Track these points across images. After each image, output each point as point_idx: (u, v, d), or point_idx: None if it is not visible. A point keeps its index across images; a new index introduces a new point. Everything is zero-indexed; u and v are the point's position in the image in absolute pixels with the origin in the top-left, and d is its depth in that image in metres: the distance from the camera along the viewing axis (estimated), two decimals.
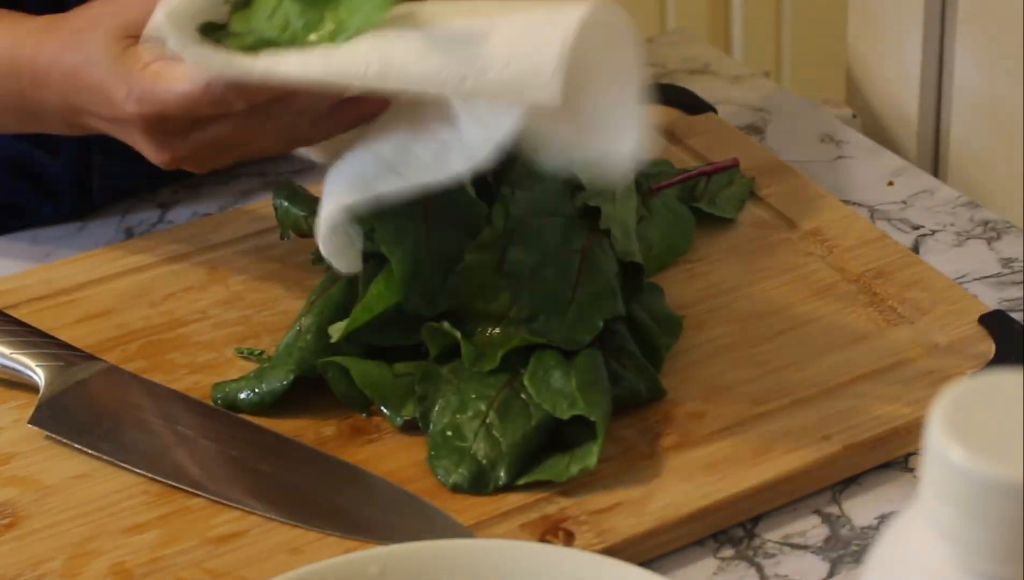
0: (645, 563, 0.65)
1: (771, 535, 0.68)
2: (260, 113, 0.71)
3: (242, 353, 0.78)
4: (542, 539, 0.65)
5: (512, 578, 0.57)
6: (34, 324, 0.79)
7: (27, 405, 0.74)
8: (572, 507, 0.67)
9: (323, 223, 0.70)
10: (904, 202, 0.90)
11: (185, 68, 0.70)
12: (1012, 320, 0.76)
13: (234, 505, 0.68)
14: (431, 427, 0.70)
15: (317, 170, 0.76)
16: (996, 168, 0.98)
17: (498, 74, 0.63)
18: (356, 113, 0.72)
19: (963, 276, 0.83)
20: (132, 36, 0.72)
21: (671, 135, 0.93)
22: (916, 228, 0.87)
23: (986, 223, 0.87)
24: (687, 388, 0.73)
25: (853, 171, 0.93)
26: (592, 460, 0.67)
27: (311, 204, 0.78)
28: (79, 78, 0.75)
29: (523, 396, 0.69)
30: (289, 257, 0.84)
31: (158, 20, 0.68)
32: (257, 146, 0.74)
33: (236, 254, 0.85)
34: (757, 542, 0.67)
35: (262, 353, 0.77)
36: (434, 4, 0.67)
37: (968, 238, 0.86)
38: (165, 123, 0.72)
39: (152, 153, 0.74)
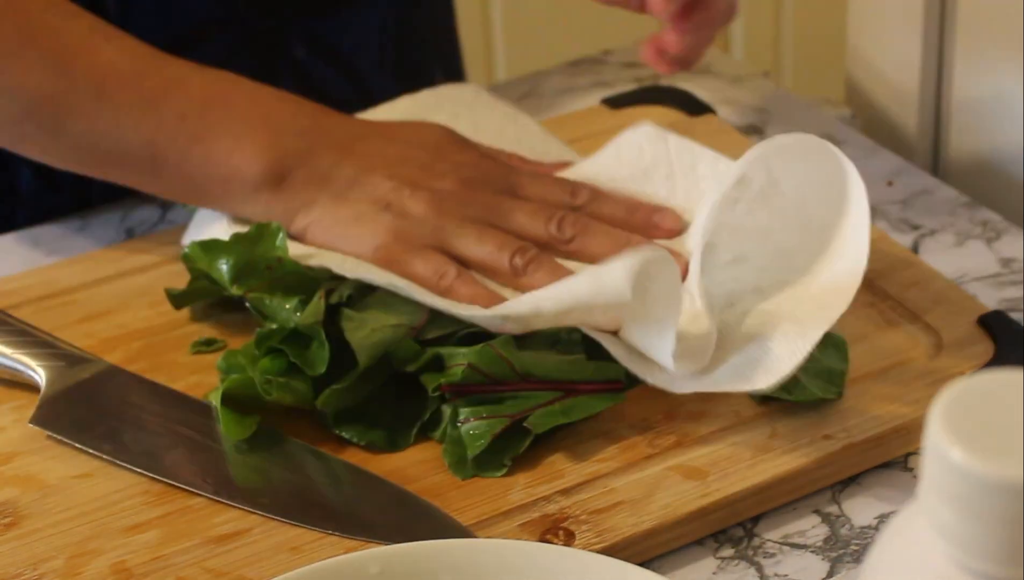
0: (645, 563, 0.65)
1: (771, 535, 0.68)
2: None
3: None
4: (542, 539, 0.65)
5: (512, 578, 0.57)
6: (35, 324, 0.79)
7: (28, 405, 0.74)
8: (572, 507, 0.67)
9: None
10: (904, 202, 0.90)
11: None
12: (1012, 320, 0.76)
13: (234, 505, 0.69)
14: None
15: None
16: (996, 168, 0.98)
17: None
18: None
19: (963, 276, 0.83)
20: None
21: None
22: (916, 228, 0.87)
23: (986, 223, 0.87)
24: None
25: None
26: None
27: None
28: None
29: None
30: None
31: None
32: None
33: None
34: (757, 542, 0.67)
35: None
36: None
37: (968, 238, 0.86)
38: (485, 181, 0.79)
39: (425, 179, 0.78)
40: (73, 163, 0.81)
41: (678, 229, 0.78)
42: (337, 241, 0.77)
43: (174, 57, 0.81)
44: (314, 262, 0.76)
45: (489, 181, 0.79)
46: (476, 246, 0.76)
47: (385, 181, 0.78)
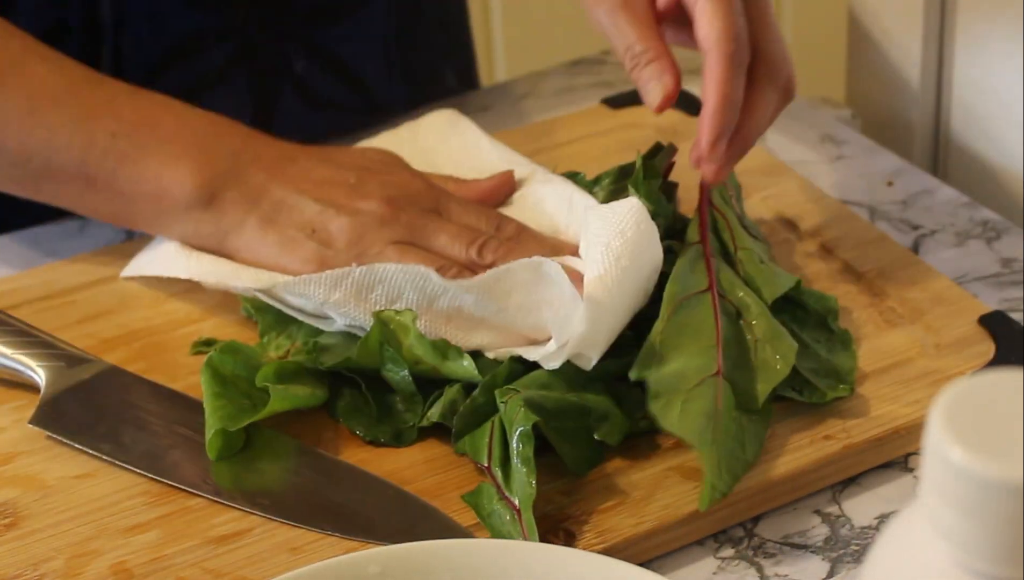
0: (645, 563, 0.65)
1: (771, 535, 0.68)
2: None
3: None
4: (542, 539, 0.65)
5: (512, 578, 0.57)
6: (35, 324, 0.79)
7: (28, 405, 0.74)
8: (572, 507, 0.67)
9: None
10: (904, 202, 0.90)
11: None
12: (1012, 320, 0.76)
13: (234, 505, 0.69)
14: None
15: None
16: (996, 168, 0.98)
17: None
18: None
19: (963, 276, 0.83)
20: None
21: (671, 136, 0.93)
22: (916, 228, 0.87)
23: (986, 223, 0.87)
24: None
25: (853, 171, 0.93)
26: None
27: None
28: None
29: None
30: None
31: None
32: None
33: None
34: (757, 542, 0.67)
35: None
36: None
37: (968, 238, 0.86)
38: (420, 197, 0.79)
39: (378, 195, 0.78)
40: (5, 181, 0.81)
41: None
42: (266, 265, 0.78)
43: (108, 77, 0.81)
44: (264, 295, 0.76)
45: (416, 201, 0.79)
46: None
47: (311, 204, 0.78)
